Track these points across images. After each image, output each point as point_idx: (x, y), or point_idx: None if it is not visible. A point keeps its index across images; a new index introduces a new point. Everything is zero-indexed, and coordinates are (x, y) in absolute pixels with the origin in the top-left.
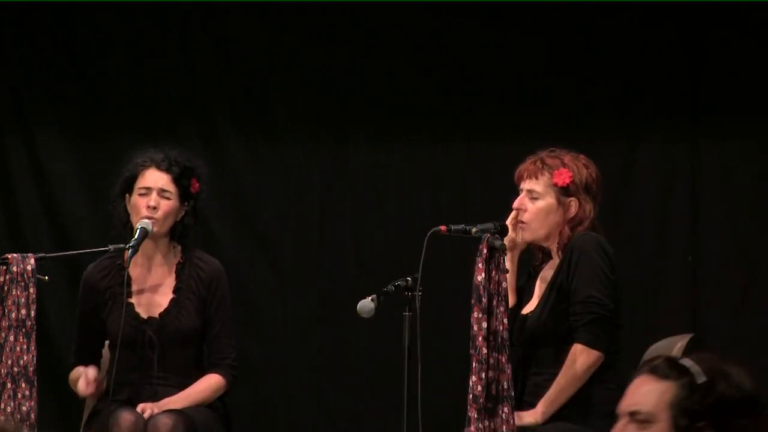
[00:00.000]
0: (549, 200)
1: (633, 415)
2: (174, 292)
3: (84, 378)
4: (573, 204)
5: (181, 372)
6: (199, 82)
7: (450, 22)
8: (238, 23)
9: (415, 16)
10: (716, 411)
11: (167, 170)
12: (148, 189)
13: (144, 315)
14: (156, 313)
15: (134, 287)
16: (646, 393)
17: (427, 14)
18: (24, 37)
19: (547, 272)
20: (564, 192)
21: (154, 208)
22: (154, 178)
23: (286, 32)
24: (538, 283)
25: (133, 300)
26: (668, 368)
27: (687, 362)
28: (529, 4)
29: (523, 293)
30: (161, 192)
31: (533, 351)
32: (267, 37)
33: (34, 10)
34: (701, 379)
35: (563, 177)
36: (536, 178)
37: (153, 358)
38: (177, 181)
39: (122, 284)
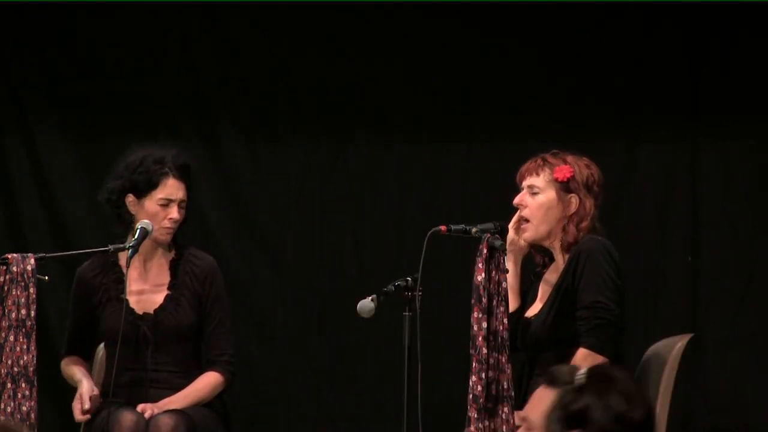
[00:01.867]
0: (549, 195)
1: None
2: (169, 288)
3: (78, 401)
4: (574, 200)
5: (178, 368)
6: (199, 82)
7: (450, 23)
8: (238, 23)
9: (416, 16)
10: (578, 420)
11: (184, 180)
12: (170, 201)
13: (139, 311)
14: (151, 310)
15: (129, 284)
16: (536, 402)
17: (428, 15)
18: (24, 37)
19: (551, 275)
20: (564, 188)
21: (177, 220)
22: (175, 189)
23: (286, 32)
24: (541, 286)
25: (128, 296)
26: (558, 377)
27: (579, 372)
28: (530, 5)
29: (527, 297)
30: (180, 203)
31: (538, 354)
32: (267, 37)
33: (34, 10)
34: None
35: (564, 172)
36: (537, 174)
37: (148, 354)
38: (188, 189)
39: (116, 281)
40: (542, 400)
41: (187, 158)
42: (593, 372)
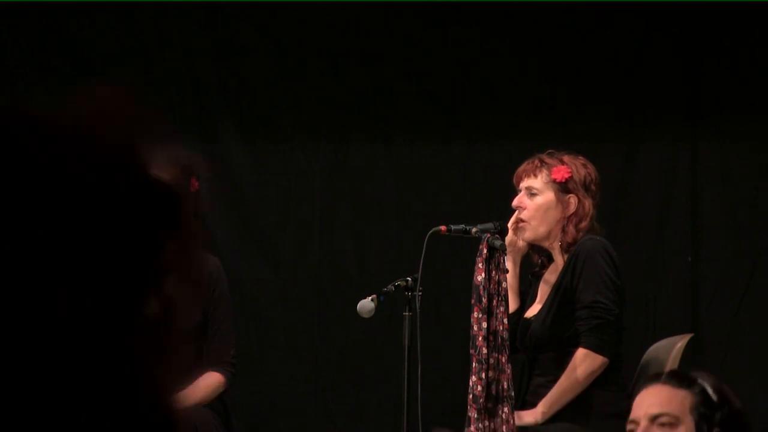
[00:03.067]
0: (548, 196)
1: (657, 418)
2: None
3: None
4: (572, 200)
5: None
6: (199, 82)
7: (450, 24)
8: (238, 24)
9: (416, 17)
10: (728, 423)
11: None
12: None
13: None
14: None
15: None
16: (668, 399)
17: (428, 15)
18: (24, 37)
19: (551, 275)
20: (563, 188)
21: None
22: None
23: (286, 33)
24: (541, 286)
25: None
26: (680, 378)
27: (693, 374)
28: (530, 5)
29: (526, 297)
30: None
31: (537, 355)
32: (267, 38)
33: (34, 10)
34: (710, 391)
35: (561, 173)
36: (534, 175)
37: None
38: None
39: None
40: (671, 396)
41: (184, 157)
42: (708, 379)
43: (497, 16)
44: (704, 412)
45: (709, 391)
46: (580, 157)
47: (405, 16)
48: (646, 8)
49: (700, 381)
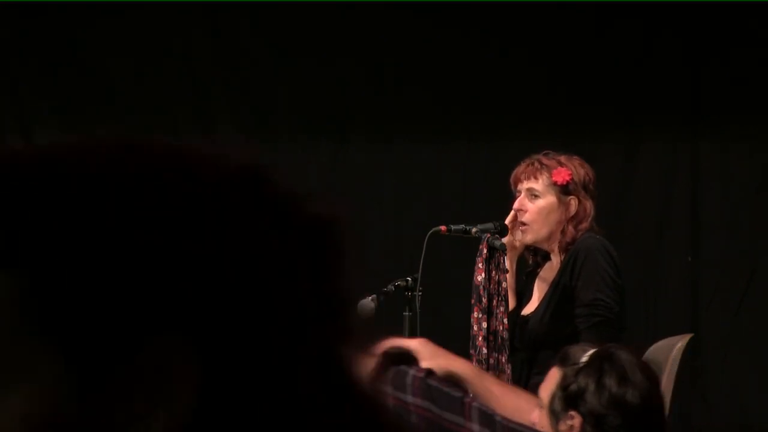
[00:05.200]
0: (550, 199)
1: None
2: None
3: None
4: (573, 202)
5: None
6: (199, 82)
7: (451, 24)
8: (238, 23)
9: (416, 17)
10: (575, 401)
11: None
12: None
13: None
14: None
15: None
16: (547, 381)
17: (428, 16)
18: (24, 37)
19: (548, 273)
20: (564, 190)
21: None
22: None
23: (285, 33)
24: (537, 284)
25: None
26: (570, 356)
27: (588, 352)
28: (530, 6)
29: (522, 296)
30: None
31: (535, 353)
32: (267, 38)
33: (35, 10)
34: (581, 373)
35: (562, 175)
36: (535, 178)
37: None
38: None
39: None
40: (552, 379)
41: None
42: (596, 352)
43: (497, 17)
44: (558, 393)
45: (581, 373)
46: (576, 157)
47: (405, 16)
48: (646, 9)
49: (576, 361)
